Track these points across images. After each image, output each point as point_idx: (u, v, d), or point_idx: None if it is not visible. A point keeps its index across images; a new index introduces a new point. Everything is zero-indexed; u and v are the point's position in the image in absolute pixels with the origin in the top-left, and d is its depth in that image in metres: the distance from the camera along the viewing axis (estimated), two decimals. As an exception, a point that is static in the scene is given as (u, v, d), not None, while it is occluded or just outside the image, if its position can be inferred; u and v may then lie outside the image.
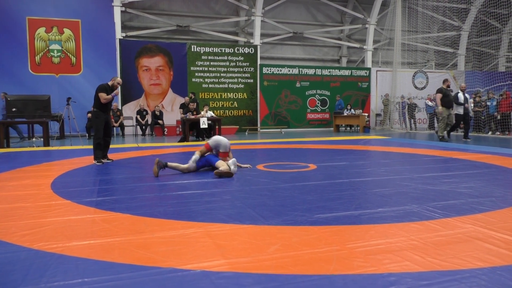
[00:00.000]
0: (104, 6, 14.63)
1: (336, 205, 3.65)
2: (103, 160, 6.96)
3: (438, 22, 20.09)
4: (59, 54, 14.29)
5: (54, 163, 6.98)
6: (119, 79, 7.22)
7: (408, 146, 9.48)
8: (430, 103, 16.35)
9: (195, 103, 13.10)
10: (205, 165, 5.92)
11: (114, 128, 14.07)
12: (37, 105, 10.29)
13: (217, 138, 5.98)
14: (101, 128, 6.96)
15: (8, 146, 10.00)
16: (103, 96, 6.84)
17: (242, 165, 6.18)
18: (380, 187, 4.55)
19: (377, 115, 18.93)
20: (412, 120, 16.91)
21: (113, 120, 13.76)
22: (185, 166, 5.74)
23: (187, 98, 14.46)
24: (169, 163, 5.62)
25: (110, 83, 7.11)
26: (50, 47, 14.20)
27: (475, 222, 3.10)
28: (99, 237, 2.81)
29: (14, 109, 10.06)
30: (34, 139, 11.91)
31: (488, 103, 14.21)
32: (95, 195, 4.22)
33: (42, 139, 10.59)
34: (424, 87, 19.54)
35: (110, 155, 7.31)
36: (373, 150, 8.88)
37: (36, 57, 14.04)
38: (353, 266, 2.26)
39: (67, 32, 14.35)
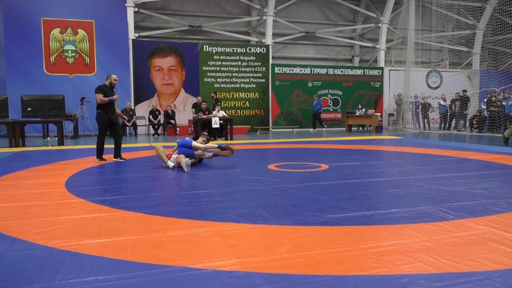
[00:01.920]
0: (117, 7, 14.78)
1: (348, 206, 3.63)
2: (114, 159, 7.12)
3: (452, 20, 19.82)
4: (73, 54, 14.47)
5: (68, 162, 7.07)
6: (114, 76, 7.21)
7: (421, 146, 9.38)
8: (443, 103, 16.15)
9: (219, 104, 13.14)
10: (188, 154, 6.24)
11: (127, 127, 14.21)
12: (51, 105, 10.43)
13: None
14: (104, 128, 7.06)
15: (23, 145, 10.16)
16: (98, 96, 6.88)
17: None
18: (393, 187, 4.51)
19: (390, 115, 18.77)
20: (425, 120, 16.71)
21: (126, 120, 13.90)
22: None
23: (199, 97, 14.53)
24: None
25: (107, 82, 7.14)
26: (65, 48, 14.38)
27: (490, 223, 3.05)
28: (112, 235, 2.84)
29: (29, 109, 10.22)
30: (48, 138, 12.08)
31: (504, 103, 13.97)
32: (108, 194, 4.27)
33: (56, 138, 10.74)
34: (438, 87, 19.32)
35: (123, 154, 7.38)
36: (386, 150, 8.81)
37: (51, 58, 14.23)
38: (365, 267, 2.25)
39: (81, 32, 14.52)
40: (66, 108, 10.90)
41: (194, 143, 6.37)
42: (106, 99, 6.91)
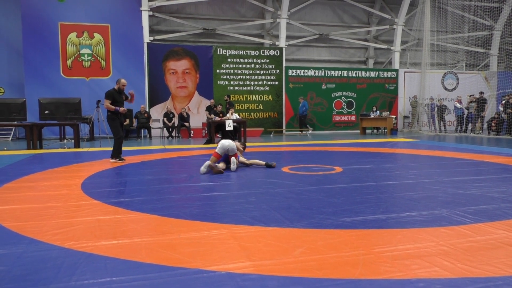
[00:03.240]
0: (132, 11, 14.96)
1: (363, 209, 3.60)
2: (121, 157, 7.29)
3: (469, 21, 19.54)
4: (89, 58, 14.69)
5: (84, 164, 7.17)
6: (123, 81, 7.29)
7: (437, 149, 9.25)
8: (458, 105, 15.90)
9: (232, 107, 13.20)
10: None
11: (142, 130, 14.35)
12: (68, 108, 10.61)
13: (222, 144, 6.21)
14: (119, 128, 7.24)
15: (41, 148, 10.33)
16: (106, 103, 7.05)
17: (248, 161, 6.57)
18: (408, 190, 4.46)
19: (405, 117, 18.58)
20: (441, 122, 16.47)
21: (141, 122, 14.04)
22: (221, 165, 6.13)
23: (212, 100, 14.61)
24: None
25: (116, 87, 7.26)
26: (81, 51, 14.61)
27: (508, 228, 2.99)
28: (127, 237, 2.87)
29: (46, 112, 10.40)
30: (65, 140, 12.27)
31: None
32: (123, 196, 4.31)
33: (73, 140, 10.90)
34: (454, 89, 19.06)
35: (138, 157, 7.50)
36: (401, 153, 8.72)
37: (67, 61, 14.48)
38: (380, 271, 2.22)
39: (97, 36, 14.73)
40: (82, 111, 11.07)
41: (241, 159, 6.50)
42: (112, 107, 7.06)
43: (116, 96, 7.13)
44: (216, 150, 6.15)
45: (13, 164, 7.12)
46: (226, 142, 6.23)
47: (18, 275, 2.21)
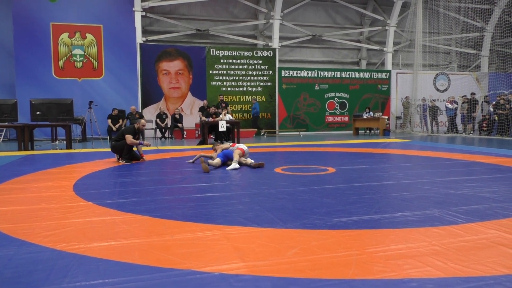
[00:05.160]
0: (125, 11, 14.89)
1: (356, 209, 3.62)
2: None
3: (460, 23, 19.71)
4: (81, 58, 14.60)
5: (76, 165, 7.12)
6: (143, 121, 7.76)
7: (429, 150, 9.31)
8: (450, 106, 16.02)
9: (227, 108, 13.22)
10: (226, 160, 6.70)
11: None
12: (60, 109, 10.51)
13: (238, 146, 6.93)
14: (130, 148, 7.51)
15: (32, 149, 10.25)
16: (129, 138, 7.30)
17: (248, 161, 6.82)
18: (401, 191, 4.49)
19: (398, 118, 18.68)
20: (433, 122, 16.59)
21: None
22: (216, 162, 6.51)
23: (205, 101, 14.58)
24: (209, 161, 6.44)
25: (136, 126, 7.62)
26: (73, 52, 14.52)
27: (499, 227, 3.02)
28: (120, 238, 2.85)
29: (38, 113, 10.31)
30: (57, 141, 12.18)
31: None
32: (116, 197, 4.29)
33: (64, 142, 10.82)
34: (446, 89, 19.20)
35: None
36: (393, 154, 8.76)
37: (59, 62, 14.37)
38: (372, 271, 2.23)
39: (89, 37, 14.65)
40: (74, 111, 10.98)
41: (236, 157, 6.73)
42: (136, 141, 7.42)
43: (134, 134, 7.51)
44: (242, 147, 6.87)
45: (4, 166, 7.05)
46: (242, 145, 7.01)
47: (9, 278, 2.19)
